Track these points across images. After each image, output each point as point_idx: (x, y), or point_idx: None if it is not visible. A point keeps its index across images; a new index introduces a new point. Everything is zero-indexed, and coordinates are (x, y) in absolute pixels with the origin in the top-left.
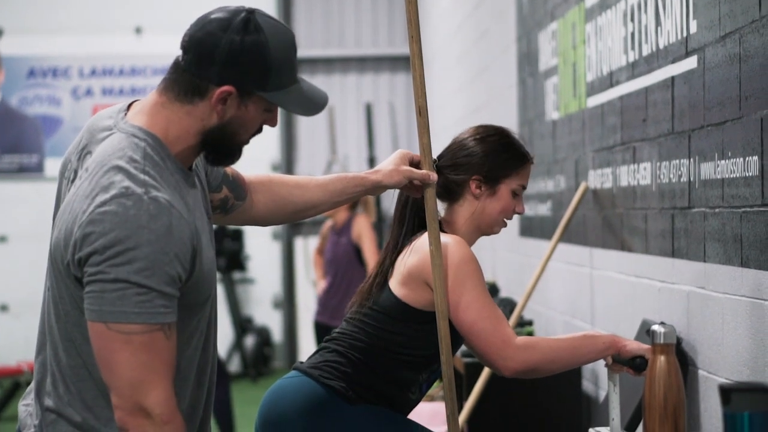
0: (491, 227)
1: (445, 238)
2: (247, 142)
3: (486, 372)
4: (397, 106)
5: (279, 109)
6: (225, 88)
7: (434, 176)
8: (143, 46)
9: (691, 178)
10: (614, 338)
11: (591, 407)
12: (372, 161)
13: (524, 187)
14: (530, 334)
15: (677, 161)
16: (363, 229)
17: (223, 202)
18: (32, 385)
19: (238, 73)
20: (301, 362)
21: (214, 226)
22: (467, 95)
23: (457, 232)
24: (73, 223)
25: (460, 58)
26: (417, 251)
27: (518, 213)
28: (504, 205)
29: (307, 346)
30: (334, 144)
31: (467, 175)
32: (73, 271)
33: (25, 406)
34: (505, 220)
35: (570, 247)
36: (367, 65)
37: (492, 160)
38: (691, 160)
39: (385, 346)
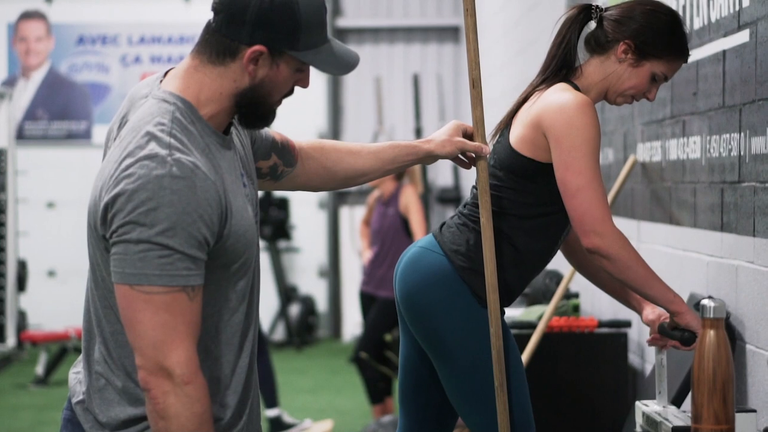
0: (616, 97)
1: (572, 93)
2: (279, 103)
3: (532, 344)
4: (444, 77)
5: (321, 76)
6: (256, 47)
7: (486, 149)
8: (192, 15)
9: (742, 153)
10: (681, 300)
11: (637, 380)
12: (419, 132)
13: (666, 79)
14: (576, 306)
15: (727, 135)
16: (410, 201)
17: (273, 169)
18: (82, 353)
19: (269, 32)
20: (441, 229)
21: (260, 194)
22: (515, 68)
23: (587, 86)
24: (102, 188)
25: (508, 30)
26: (545, 99)
27: (648, 99)
28: (639, 83)
29: (351, 315)
30: (380, 115)
31: (621, 36)
32: (102, 233)
33: (75, 374)
34: (633, 97)
35: (617, 220)
36: (415, 35)
37: (651, 34)
38: (742, 134)
39: (519, 214)
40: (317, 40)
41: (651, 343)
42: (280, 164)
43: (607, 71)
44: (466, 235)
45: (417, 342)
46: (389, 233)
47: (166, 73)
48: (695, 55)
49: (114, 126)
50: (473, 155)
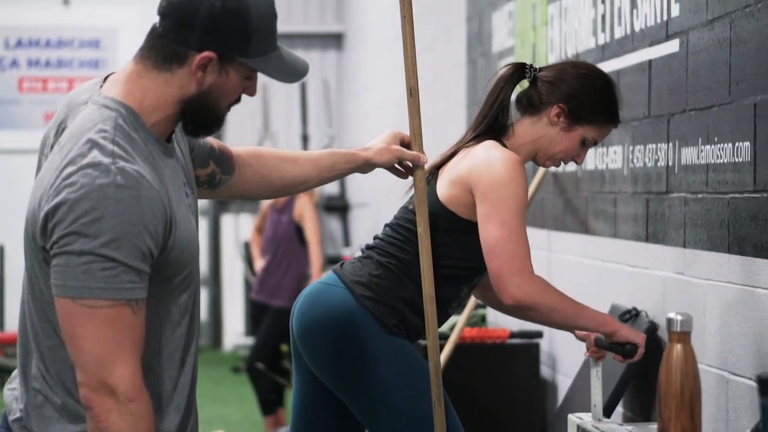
0: (545, 159)
1: (501, 151)
2: (226, 111)
3: (445, 354)
4: (330, 83)
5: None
6: (206, 53)
7: (424, 158)
8: (71, 18)
9: (670, 163)
10: (612, 319)
11: (547, 392)
12: (305, 139)
13: (596, 143)
14: (483, 317)
15: (653, 145)
16: (305, 208)
17: (211, 177)
18: (17, 368)
19: (220, 38)
20: (342, 265)
21: None
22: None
23: (516, 146)
24: (41, 197)
25: (399, 36)
26: (474, 156)
27: (576, 162)
28: (569, 147)
29: (232, 324)
30: (267, 121)
31: (555, 99)
32: (42, 244)
33: (11, 390)
34: (562, 161)
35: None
36: (297, 42)
37: (585, 100)
38: (670, 144)
39: None
40: (267, 46)
41: (589, 356)
42: (218, 172)
43: (538, 133)
44: (368, 267)
45: (315, 379)
46: (283, 241)
47: (105, 78)
48: (616, 64)
49: (50, 132)
50: (410, 164)
